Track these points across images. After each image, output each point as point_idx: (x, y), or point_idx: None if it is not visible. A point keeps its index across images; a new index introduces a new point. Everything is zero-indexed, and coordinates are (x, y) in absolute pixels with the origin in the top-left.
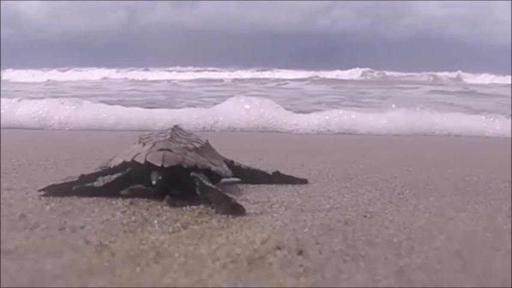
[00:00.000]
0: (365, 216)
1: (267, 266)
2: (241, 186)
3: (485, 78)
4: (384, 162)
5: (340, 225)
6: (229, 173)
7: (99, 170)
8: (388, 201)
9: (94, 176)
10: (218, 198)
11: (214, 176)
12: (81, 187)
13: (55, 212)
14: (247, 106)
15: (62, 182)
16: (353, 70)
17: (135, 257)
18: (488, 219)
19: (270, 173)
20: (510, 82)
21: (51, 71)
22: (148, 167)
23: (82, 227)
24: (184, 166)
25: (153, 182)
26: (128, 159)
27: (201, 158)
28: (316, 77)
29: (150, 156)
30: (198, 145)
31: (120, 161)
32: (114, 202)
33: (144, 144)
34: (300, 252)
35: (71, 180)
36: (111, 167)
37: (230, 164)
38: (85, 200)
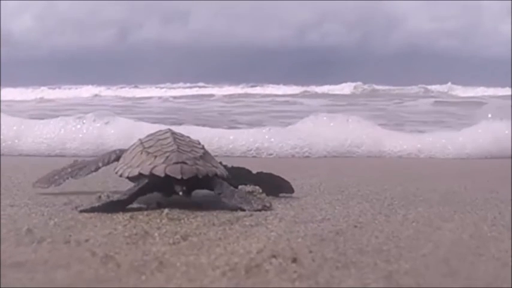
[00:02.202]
0: (355, 227)
1: (263, 273)
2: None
3: (474, 90)
4: None
5: (332, 235)
6: (226, 172)
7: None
8: (378, 212)
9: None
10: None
11: (220, 178)
12: (105, 204)
13: (59, 227)
14: (332, 124)
15: (109, 201)
16: (345, 84)
17: (140, 267)
18: (474, 227)
19: (254, 172)
20: (501, 94)
21: (39, 88)
22: (168, 179)
23: (86, 240)
24: (200, 176)
25: (180, 193)
26: (145, 172)
27: (207, 164)
28: (307, 92)
29: (169, 169)
30: (201, 151)
31: (136, 172)
32: (114, 216)
33: (155, 157)
34: (294, 260)
35: (116, 199)
36: (125, 176)
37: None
38: (87, 215)
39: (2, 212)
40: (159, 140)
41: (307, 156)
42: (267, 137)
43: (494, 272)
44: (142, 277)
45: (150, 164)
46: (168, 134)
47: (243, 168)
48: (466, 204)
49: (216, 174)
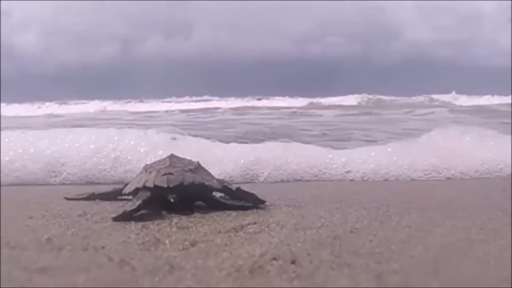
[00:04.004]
0: (352, 232)
1: (265, 274)
2: (241, 211)
3: (480, 99)
4: None
5: (329, 240)
6: (219, 185)
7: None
8: (374, 219)
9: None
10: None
11: (208, 188)
12: (125, 214)
13: (76, 236)
14: (468, 138)
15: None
16: (350, 96)
17: (153, 270)
18: (463, 232)
19: (234, 188)
20: (506, 102)
21: (44, 104)
22: (158, 189)
23: (103, 247)
24: (185, 184)
25: (172, 200)
26: (140, 185)
27: (196, 176)
28: (313, 103)
29: (157, 180)
30: (192, 167)
31: (133, 187)
32: (127, 226)
33: (150, 172)
34: (293, 262)
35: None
36: (126, 192)
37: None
38: (101, 225)
39: (21, 223)
40: (160, 161)
41: (449, 178)
42: (395, 158)
43: (476, 272)
44: (155, 279)
45: (145, 179)
46: (168, 157)
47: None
48: (459, 210)
49: (203, 184)
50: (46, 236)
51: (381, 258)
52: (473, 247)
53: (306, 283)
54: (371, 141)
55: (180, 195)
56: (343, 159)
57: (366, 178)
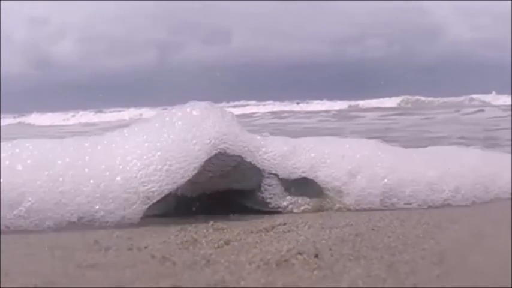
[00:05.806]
0: (373, 230)
1: (290, 266)
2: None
3: None
4: None
5: (351, 237)
6: (255, 185)
7: None
8: (396, 218)
9: None
10: None
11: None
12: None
13: (121, 238)
14: None
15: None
16: (388, 98)
17: (191, 264)
18: (477, 227)
19: None
20: None
21: (79, 113)
22: (184, 196)
23: (146, 247)
24: (208, 193)
25: (193, 209)
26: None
27: (223, 181)
28: (352, 106)
29: (184, 188)
30: (229, 168)
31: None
32: (167, 229)
33: None
34: (316, 256)
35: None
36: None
37: None
38: (143, 228)
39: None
40: None
41: None
42: None
43: (479, 262)
44: (193, 271)
45: None
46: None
47: None
48: (477, 206)
49: (230, 189)
50: (93, 238)
51: (395, 251)
52: (484, 241)
53: (325, 273)
54: None
55: (205, 201)
56: None
57: None
